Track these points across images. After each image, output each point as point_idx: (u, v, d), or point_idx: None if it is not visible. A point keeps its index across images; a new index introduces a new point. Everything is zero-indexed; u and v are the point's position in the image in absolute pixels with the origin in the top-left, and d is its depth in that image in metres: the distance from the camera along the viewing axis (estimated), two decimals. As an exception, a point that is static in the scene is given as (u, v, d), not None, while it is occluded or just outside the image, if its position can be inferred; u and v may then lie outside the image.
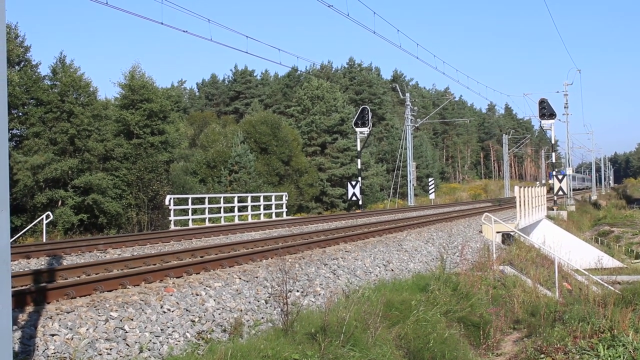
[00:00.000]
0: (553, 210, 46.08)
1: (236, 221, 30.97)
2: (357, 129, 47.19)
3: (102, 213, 38.15)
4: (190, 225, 28.04)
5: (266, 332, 9.26)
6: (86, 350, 7.42)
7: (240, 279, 11.39)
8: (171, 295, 9.64)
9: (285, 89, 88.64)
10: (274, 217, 34.09)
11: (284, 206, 36.13)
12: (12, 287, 6.02)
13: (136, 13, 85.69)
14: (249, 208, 33.38)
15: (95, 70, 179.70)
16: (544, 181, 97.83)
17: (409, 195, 63.18)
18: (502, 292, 16.07)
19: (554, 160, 52.07)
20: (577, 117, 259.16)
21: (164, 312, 8.99)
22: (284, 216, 35.38)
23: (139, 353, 7.85)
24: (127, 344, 7.86)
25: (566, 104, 58.83)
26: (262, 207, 34.19)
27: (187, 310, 9.30)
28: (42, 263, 13.51)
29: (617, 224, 55.46)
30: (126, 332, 8.09)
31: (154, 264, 12.68)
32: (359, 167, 49.65)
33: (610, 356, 10.16)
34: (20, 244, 19.94)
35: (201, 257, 14.06)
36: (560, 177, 48.78)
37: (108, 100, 48.38)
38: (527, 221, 29.57)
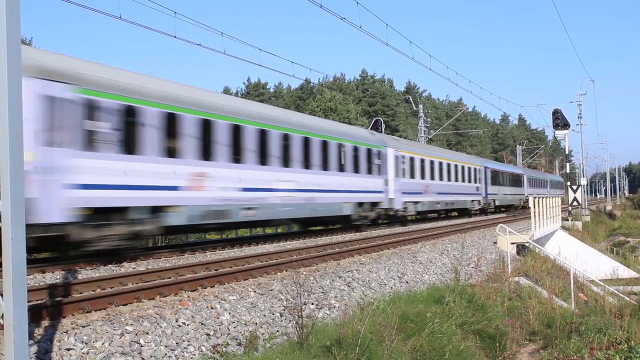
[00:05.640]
0: (568, 220, 45.82)
1: (250, 233, 30.98)
2: (370, 141, 47.01)
3: (117, 226, 38.26)
4: (205, 238, 28.06)
5: (281, 345, 9.24)
6: (102, 364, 7.44)
7: (255, 292, 11.40)
8: (186, 308, 9.66)
9: (298, 101, 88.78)
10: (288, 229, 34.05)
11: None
12: (28, 302, 6.07)
13: (149, 26, 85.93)
14: (263, 220, 33.28)
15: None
16: None
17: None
18: (518, 303, 15.98)
19: (568, 171, 51.80)
20: (591, 127, 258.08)
21: (179, 325, 9.00)
22: (298, 228, 35.30)
23: (155, 367, 7.86)
24: (142, 358, 7.87)
25: (580, 114, 58.52)
26: (275, 220, 34.08)
27: (202, 323, 9.30)
28: (58, 277, 13.57)
29: (632, 234, 55.16)
30: (141, 346, 8.10)
31: (169, 278, 12.70)
32: (372, 178, 49.45)
33: (627, 368, 10.08)
34: (35, 258, 20.00)
35: (216, 270, 14.06)
36: None
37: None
38: (542, 232, 29.40)
